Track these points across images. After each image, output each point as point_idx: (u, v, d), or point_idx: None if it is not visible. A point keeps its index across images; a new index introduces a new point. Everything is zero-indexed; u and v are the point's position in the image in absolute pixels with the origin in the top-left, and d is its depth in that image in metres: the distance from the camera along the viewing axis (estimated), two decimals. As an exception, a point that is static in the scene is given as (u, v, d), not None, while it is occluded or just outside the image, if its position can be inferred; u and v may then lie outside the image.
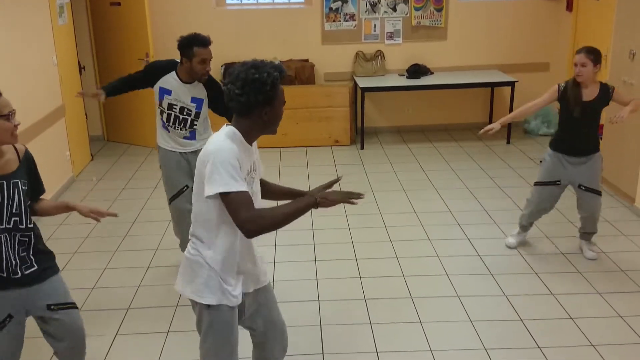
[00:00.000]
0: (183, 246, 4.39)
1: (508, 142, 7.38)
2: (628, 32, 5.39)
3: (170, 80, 4.01)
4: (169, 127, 4.12)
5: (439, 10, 7.62)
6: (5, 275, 2.55)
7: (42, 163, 5.48)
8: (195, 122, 4.09)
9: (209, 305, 2.44)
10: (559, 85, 4.29)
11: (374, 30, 7.66)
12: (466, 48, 7.74)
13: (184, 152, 4.17)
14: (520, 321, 3.73)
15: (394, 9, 7.59)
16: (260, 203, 2.52)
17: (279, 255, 4.65)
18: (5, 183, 2.50)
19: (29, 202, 2.62)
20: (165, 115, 4.08)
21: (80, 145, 6.65)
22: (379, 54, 7.61)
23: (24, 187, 2.55)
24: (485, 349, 3.47)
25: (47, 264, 2.71)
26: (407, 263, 4.48)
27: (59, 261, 4.53)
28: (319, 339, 3.60)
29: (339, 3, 7.54)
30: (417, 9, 7.59)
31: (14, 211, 2.51)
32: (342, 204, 2.37)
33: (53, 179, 5.85)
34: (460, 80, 7.30)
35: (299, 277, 4.34)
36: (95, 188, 6.15)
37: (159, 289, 4.21)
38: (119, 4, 7.03)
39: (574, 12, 7.41)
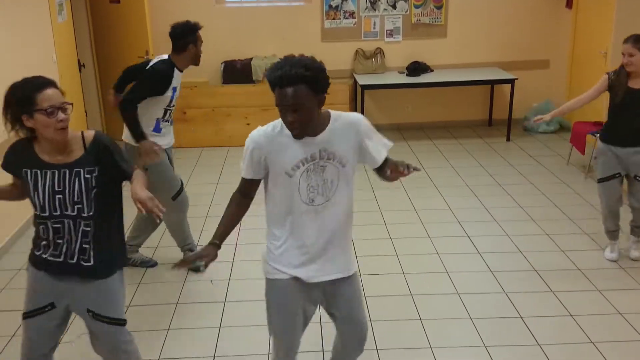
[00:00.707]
0: (182, 244, 4.39)
1: (508, 140, 7.38)
2: (628, 29, 5.38)
3: (176, 77, 4.08)
4: (164, 123, 4.14)
5: (439, 7, 7.62)
6: (62, 260, 2.56)
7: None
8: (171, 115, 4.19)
9: (267, 278, 2.56)
10: (608, 74, 4.16)
11: (374, 28, 7.65)
12: (466, 45, 7.73)
13: (168, 148, 4.21)
14: (520, 318, 3.74)
15: (394, 7, 7.59)
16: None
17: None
18: (67, 171, 2.49)
19: (96, 190, 2.52)
20: (168, 113, 4.13)
21: (80, 143, 6.64)
22: (379, 52, 7.60)
23: (87, 176, 2.50)
24: (485, 346, 3.48)
25: (104, 264, 2.60)
26: (407, 260, 4.49)
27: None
28: (318, 336, 3.60)
29: (339, 0, 7.53)
30: (416, 7, 7.59)
31: (75, 199, 2.50)
32: None
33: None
34: (460, 78, 7.29)
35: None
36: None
37: (159, 287, 4.21)
38: (118, 1, 7.03)
39: (574, 9, 7.41)
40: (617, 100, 4.12)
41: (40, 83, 2.45)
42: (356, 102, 7.60)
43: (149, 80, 4.00)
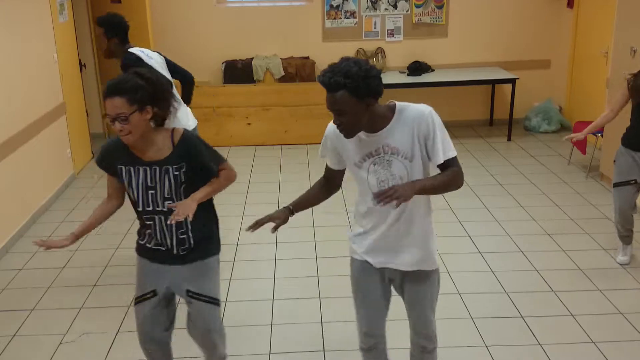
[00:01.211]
0: None
1: (509, 140, 7.37)
2: (629, 29, 5.38)
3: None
4: None
5: (440, 7, 7.61)
6: (161, 249, 2.70)
7: (43, 160, 5.55)
8: None
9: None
10: (627, 79, 4.06)
11: (375, 28, 7.65)
12: (467, 45, 7.73)
13: None
14: (521, 318, 3.73)
15: (395, 6, 7.58)
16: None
17: (280, 252, 4.65)
18: (157, 169, 2.58)
19: (185, 185, 2.62)
20: None
21: (81, 142, 6.65)
22: (380, 51, 7.60)
23: (176, 173, 2.59)
24: (486, 346, 3.47)
25: (202, 248, 2.74)
26: (408, 260, 4.48)
27: (59, 259, 4.57)
28: (319, 336, 3.60)
29: (340, 0, 7.53)
30: (417, 6, 7.58)
31: (165, 195, 2.60)
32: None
33: (54, 177, 5.85)
34: (461, 78, 7.28)
35: (300, 274, 4.35)
36: (96, 185, 6.15)
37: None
38: (119, 1, 7.02)
39: (575, 9, 7.40)
40: (634, 103, 4.03)
41: (107, 89, 2.46)
42: (357, 102, 7.59)
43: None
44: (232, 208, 5.49)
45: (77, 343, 3.61)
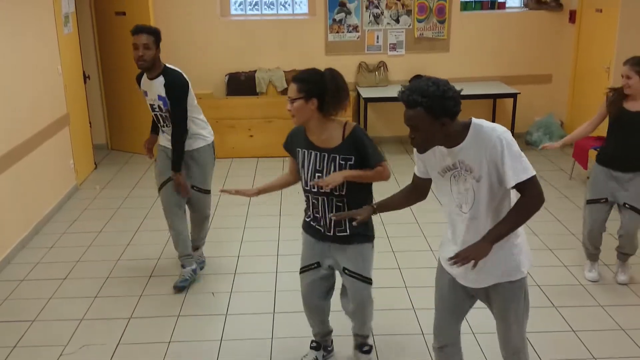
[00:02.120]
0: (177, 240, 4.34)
1: (510, 154, 7.37)
2: (631, 44, 5.42)
3: (144, 82, 4.15)
4: (160, 127, 4.25)
5: (442, 22, 7.66)
6: (322, 231, 3.09)
7: (46, 171, 5.57)
8: (164, 117, 4.14)
9: None
10: (606, 92, 4.09)
11: (377, 42, 7.69)
12: (468, 59, 7.76)
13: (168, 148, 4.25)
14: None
15: (397, 21, 7.63)
16: (447, 199, 2.64)
17: (281, 265, 4.65)
18: (326, 155, 2.96)
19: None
20: (153, 116, 4.25)
21: (84, 153, 6.67)
22: (382, 65, 7.64)
23: (341, 162, 2.94)
24: (487, 361, 3.46)
25: (358, 231, 3.02)
26: (409, 274, 4.48)
27: (61, 270, 4.58)
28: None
29: (343, 14, 7.58)
30: (419, 21, 7.63)
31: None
32: None
33: (57, 188, 5.87)
34: (463, 92, 7.27)
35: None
36: (98, 196, 6.17)
37: (160, 299, 4.21)
38: (124, 13, 7.08)
39: (577, 24, 7.44)
40: (611, 120, 4.05)
41: (293, 77, 2.97)
42: (359, 115, 7.62)
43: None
44: (234, 220, 5.49)
45: (77, 355, 3.60)
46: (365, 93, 7.33)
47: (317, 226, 3.10)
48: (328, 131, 2.96)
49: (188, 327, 3.88)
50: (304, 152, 3.02)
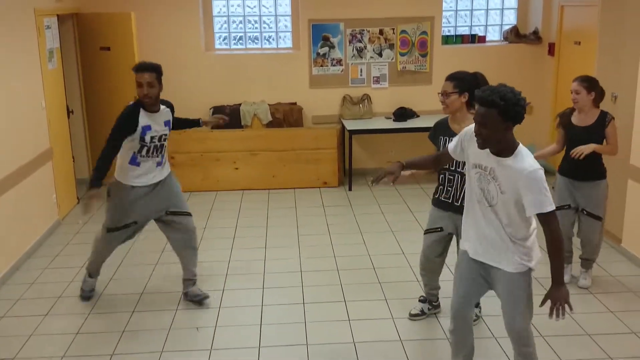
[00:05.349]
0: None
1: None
2: (609, 76, 5.52)
3: (143, 117, 4.17)
4: (142, 159, 4.21)
5: (424, 55, 7.78)
6: (450, 201, 3.81)
7: (28, 206, 5.50)
8: (165, 145, 4.34)
9: None
10: (557, 119, 4.55)
11: (361, 75, 7.78)
12: (451, 91, 7.85)
13: (154, 184, 4.27)
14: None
15: (380, 54, 7.74)
16: (473, 192, 3.09)
17: (267, 298, 4.60)
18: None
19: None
20: (145, 150, 4.20)
21: (66, 188, 6.61)
22: (366, 98, 7.71)
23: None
24: (476, 393, 3.42)
25: None
26: (396, 305, 4.45)
27: (43, 306, 4.49)
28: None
29: (327, 48, 7.68)
30: (402, 54, 7.74)
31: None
32: None
33: (39, 222, 5.79)
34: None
35: (287, 320, 4.29)
36: (81, 231, 6.10)
37: (143, 335, 4.13)
38: (108, 48, 7.11)
39: (556, 57, 7.59)
40: (565, 134, 4.48)
41: (448, 76, 3.79)
42: (344, 147, 7.65)
43: (121, 119, 4.20)
44: (219, 253, 5.44)
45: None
46: (350, 125, 7.38)
47: (446, 200, 3.81)
48: (469, 121, 3.47)
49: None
50: (446, 139, 3.72)
